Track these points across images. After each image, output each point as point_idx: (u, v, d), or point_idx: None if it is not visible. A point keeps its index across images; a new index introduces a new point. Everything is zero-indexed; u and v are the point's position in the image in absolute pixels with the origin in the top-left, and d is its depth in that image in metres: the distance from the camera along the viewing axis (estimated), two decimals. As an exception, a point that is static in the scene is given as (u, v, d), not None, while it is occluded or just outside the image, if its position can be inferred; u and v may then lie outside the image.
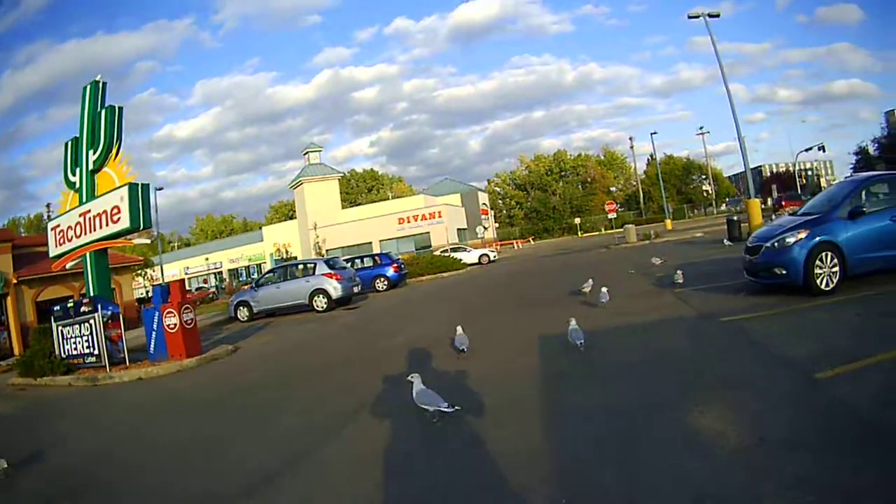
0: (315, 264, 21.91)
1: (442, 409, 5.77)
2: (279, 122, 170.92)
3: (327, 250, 58.38)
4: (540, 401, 6.40)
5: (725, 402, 5.44)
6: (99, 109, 15.09)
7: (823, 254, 9.44)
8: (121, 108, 15.06)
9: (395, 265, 27.67)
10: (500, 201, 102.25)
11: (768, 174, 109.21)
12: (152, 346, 14.26)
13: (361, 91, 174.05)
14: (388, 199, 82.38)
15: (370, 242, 59.18)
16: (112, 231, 14.41)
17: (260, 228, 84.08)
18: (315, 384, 9.21)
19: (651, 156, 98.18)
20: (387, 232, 59.81)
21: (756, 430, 4.63)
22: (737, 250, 19.59)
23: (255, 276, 63.09)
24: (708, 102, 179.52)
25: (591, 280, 13.29)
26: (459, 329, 9.26)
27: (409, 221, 59.83)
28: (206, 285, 70.16)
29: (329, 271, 21.20)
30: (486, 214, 73.38)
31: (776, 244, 9.97)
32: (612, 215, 41.70)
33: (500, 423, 5.80)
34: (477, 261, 40.77)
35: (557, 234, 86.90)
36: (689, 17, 28.82)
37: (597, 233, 76.80)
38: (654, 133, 63.91)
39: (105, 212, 14.47)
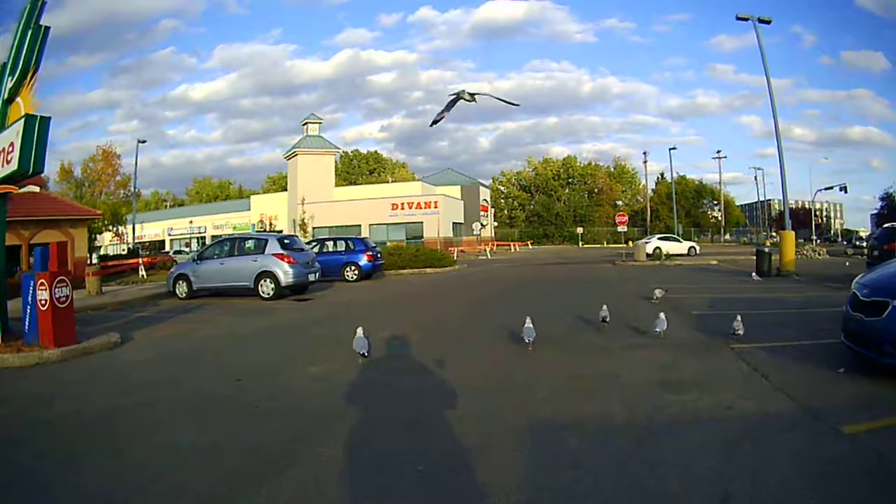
0: (266, 240, 18.27)
1: None
2: (293, 96, 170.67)
3: (314, 228, 54.94)
4: None
5: None
6: (28, 30, 11.39)
7: None
8: (47, 28, 11.37)
9: (370, 253, 24.01)
10: (502, 200, 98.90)
11: (778, 210, 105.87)
12: (27, 323, 10.62)
13: (378, 75, 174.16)
14: (388, 182, 79.20)
15: (359, 225, 55.47)
16: (5, 173, 10.77)
17: (249, 197, 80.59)
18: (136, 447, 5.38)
19: (661, 174, 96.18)
20: (378, 216, 56.08)
21: None
22: (771, 289, 17.24)
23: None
24: (720, 131, 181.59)
25: (605, 307, 10.61)
26: (360, 331, 8.33)
27: (402, 208, 56.00)
28: (187, 249, 66.24)
29: (281, 251, 17.56)
30: (486, 211, 69.74)
31: None
32: (621, 228, 38.16)
33: None
34: (686, 252, 40.49)
35: (557, 241, 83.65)
36: (738, 19, 25.43)
37: (599, 245, 74.08)
38: (674, 149, 60.57)
39: (3, 149, 10.84)
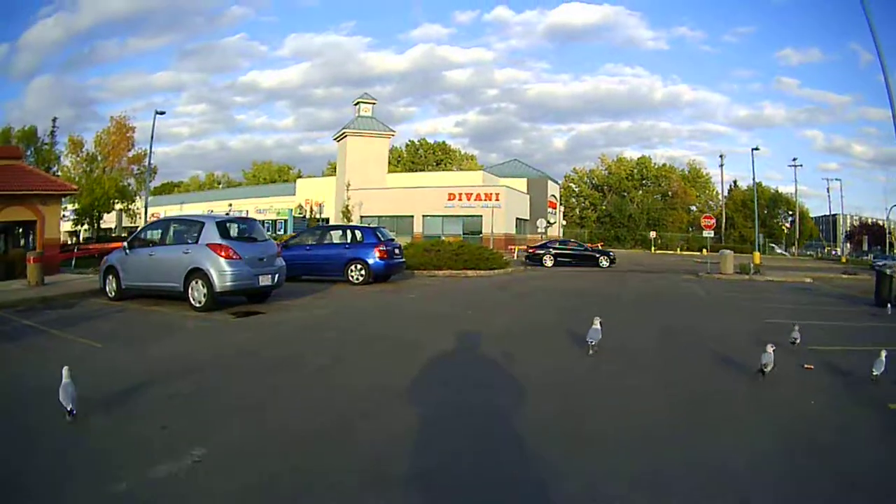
0: (203, 224, 12.26)
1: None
2: (367, 88, 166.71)
3: (362, 217, 49.43)
4: None
5: None
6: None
7: None
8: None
9: (384, 248, 17.78)
10: (573, 199, 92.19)
11: (847, 225, 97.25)
12: None
13: (453, 71, 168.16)
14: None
15: (412, 216, 50.12)
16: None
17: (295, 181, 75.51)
18: None
19: (735, 182, 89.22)
20: (433, 207, 50.26)
21: None
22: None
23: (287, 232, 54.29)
24: (784, 144, 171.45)
25: (771, 349, 7.04)
26: (65, 373, 5.30)
27: (460, 199, 49.75)
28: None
29: (219, 241, 11.63)
30: (554, 208, 63.08)
31: None
32: (707, 232, 31.42)
33: None
34: None
35: (629, 244, 76.61)
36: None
37: (672, 252, 67.58)
38: (756, 149, 51.60)
39: None
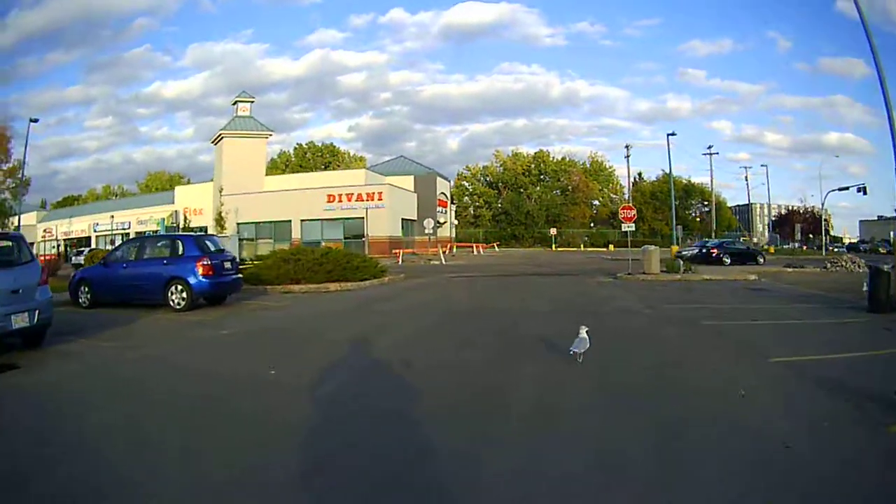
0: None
1: None
2: (264, 95, 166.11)
3: (239, 224, 45.89)
4: None
5: None
6: None
7: None
8: None
9: (207, 262, 14.14)
10: (466, 198, 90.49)
11: (768, 214, 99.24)
12: None
13: (348, 76, 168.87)
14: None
15: (290, 221, 46.95)
16: None
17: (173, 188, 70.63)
18: None
19: (639, 174, 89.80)
20: (312, 211, 47.20)
21: None
22: None
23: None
24: (691, 135, 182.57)
25: None
26: None
27: (340, 200, 46.89)
28: (111, 248, 55.68)
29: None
30: (445, 206, 60.71)
31: None
32: (628, 225, 28.12)
33: None
34: None
35: (527, 243, 75.68)
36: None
37: (574, 248, 66.57)
38: (672, 134, 51.48)
39: None
